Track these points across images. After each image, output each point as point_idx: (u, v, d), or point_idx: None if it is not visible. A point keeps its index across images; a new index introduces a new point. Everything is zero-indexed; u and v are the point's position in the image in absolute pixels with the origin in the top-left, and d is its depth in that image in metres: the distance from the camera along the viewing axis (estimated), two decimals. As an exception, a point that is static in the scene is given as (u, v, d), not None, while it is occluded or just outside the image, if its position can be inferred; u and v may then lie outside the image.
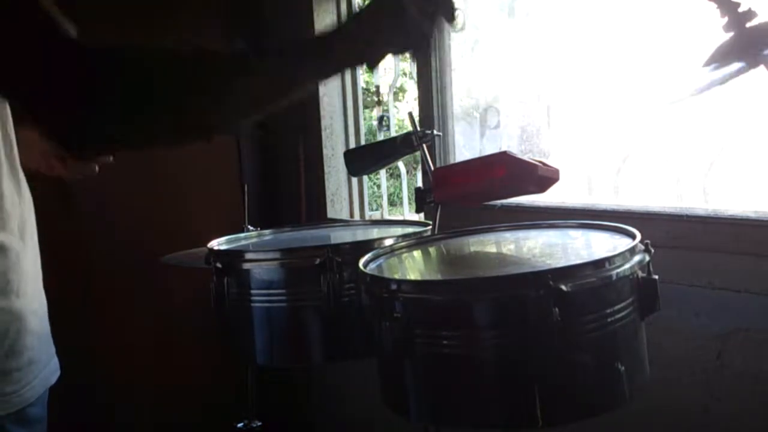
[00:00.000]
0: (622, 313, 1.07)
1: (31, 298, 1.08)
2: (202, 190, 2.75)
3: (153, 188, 2.69)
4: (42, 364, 1.11)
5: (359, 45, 0.98)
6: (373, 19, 1.00)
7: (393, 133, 2.68)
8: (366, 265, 1.23)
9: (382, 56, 1.01)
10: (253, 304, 1.47)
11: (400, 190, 3.07)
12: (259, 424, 2.09)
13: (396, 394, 1.15)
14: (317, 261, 1.40)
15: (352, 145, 2.74)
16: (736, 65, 1.01)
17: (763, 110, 1.69)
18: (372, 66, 1.03)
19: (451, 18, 1.02)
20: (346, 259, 1.39)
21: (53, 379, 1.14)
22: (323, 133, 2.69)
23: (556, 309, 0.97)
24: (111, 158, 1.30)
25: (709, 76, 1.04)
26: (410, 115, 1.71)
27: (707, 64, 1.04)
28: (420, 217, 2.01)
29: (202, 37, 2.69)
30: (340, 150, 2.68)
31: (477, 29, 2.35)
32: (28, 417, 1.07)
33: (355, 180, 2.76)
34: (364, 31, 0.98)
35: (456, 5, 1.03)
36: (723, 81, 1.03)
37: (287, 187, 2.80)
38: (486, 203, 1.93)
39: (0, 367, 1.02)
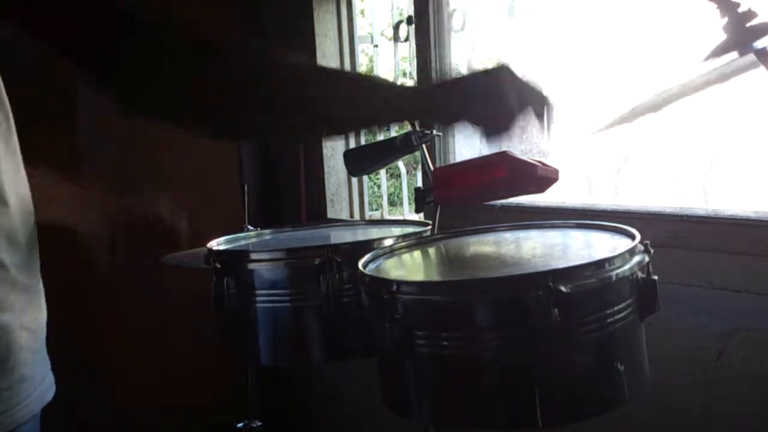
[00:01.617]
0: (622, 314, 1.07)
1: (21, 311, 1.03)
2: (202, 191, 2.75)
3: (153, 188, 2.69)
4: (36, 381, 1.05)
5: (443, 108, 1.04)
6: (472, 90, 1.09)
7: (393, 133, 2.67)
8: (365, 265, 1.23)
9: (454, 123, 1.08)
10: (253, 305, 1.47)
11: (400, 190, 3.08)
12: (259, 424, 2.09)
13: (396, 395, 1.15)
14: (317, 261, 1.40)
15: (352, 145, 2.74)
16: (732, 58, 1.01)
17: (762, 110, 1.69)
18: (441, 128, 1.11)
19: (540, 114, 1.09)
20: (345, 260, 1.39)
21: (49, 397, 1.09)
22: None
23: (556, 310, 0.97)
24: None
25: (706, 69, 1.04)
26: (410, 115, 1.70)
27: (706, 58, 1.05)
28: (420, 217, 2.01)
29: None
30: (340, 150, 2.67)
31: (477, 29, 2.35)
32: None
33: (355, 180, 2.76)
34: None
35: (550, 103, 1.10)
36: (724, 76, 1.03)
37: (287, 187, 2.80)
38: (486, 203, 1.93)
39: None
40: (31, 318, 1.06)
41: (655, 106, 1.07)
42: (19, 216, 1.04)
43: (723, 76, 1.03)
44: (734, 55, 1.04)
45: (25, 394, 1.01)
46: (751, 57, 1.02)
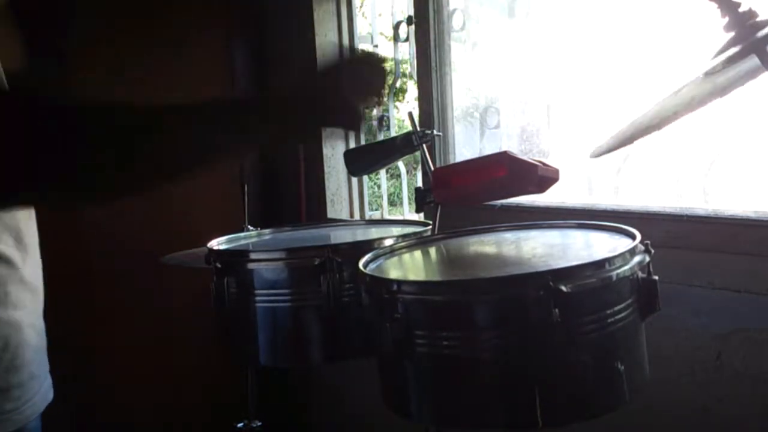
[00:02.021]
0: (622, 314, 1.07)
1: (30, 311, 1.06)
2: (202, 190, 2.75)
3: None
4: (41, 379, 1.08)
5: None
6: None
7: (393, 133, 2.68)
8: (366, 265, 1.23)
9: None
10: (253, 304, 1.47)
11: (400, 190, 3.08)
12: (259, 424, 2.09)
13: (396, 395, 1.15)
14: (317, 261, 1.40)
15: (352, 145, 2.74)
16: (749, 61, 1.01)
17: (763, 110, 1.69)
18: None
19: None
20: (346, 259, 1.39)
21: (50, 396, 1.11)
22: (323, 133, 2.69)
23: (556, 310, 0.97)
24: None
25: (724, 77, 1.04)
26: (410, 115, 1.71)
27: (716, 71, 1.04)
28: (420, 217, 2.01)
29: (202, 37, 2.69)
30: (340, 150, 2.68)
31: (477, 29, 2.35)
32: None
33: (355, 180, 2.76)
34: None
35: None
36: (724, 89, 1.03)
37: (287, 187, 2.80)
38: (486, 203, 1.93)
39: (0, 383, 0.99)
40: (36, 317, 1.08)
41: (656, 125, 1.06)
42: (23, 216, 1.06)
43: (723, 89, 1.03)
44: (735, 66, 1.03)
45: (33, 392, 1.04)
46: (749, 67, 1.02)
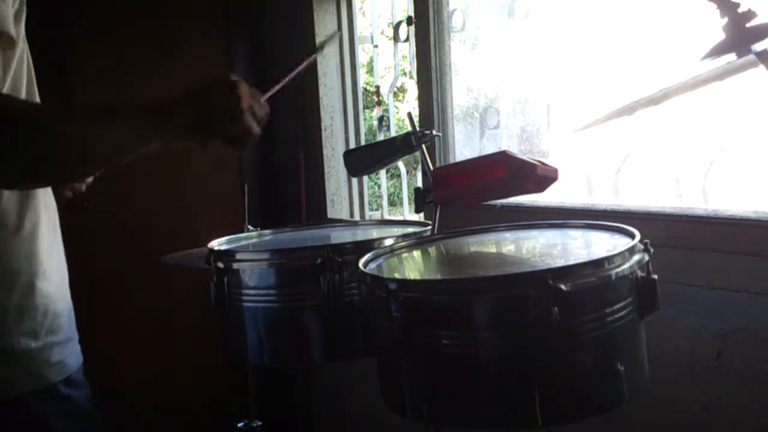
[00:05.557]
0: (622, 313, 1.07)
1: (58, 285, 1.24)
2: (202, 190, 2.75)
3: (153, 188, 2.70)
4: (74, 342, 1.28)
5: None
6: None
7: (393, 133, 2.68)
8: (366, 265, 1.24)
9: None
10: (253, 304, 1.47)
11: (400, 190, 3.08)
12: (259, 424, 2.09)
13: (395, 394, 1.15)
14: (317, 261, 1.40)
15: (352, 145, 2.74)
16: (729, 58, 1.01)
17: (763, 110, 1.69)
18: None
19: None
20: (346, 259, 1.39)
21: (81, 359, 1.31)
22: (323, 133, 2.69)
23: (556, 308, 0.97)
24: None
25: (706, 68, 1.05)
26: (410, 115, 1.71)
27: (704, 58, 1.05)
28: (420, 217, 2.01)
29: (202, 37, 2.70)
30: (340, 150, 2.68)
31: (477, 29, 2.35)
32: (75, 381, 1.26)
33: (355, 180, 2.76)
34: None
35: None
36: (722, 75, 1.03)
37: (287, 187, 2.80)
38: (486, 203, 1.93)
39: (45, 341, 1.19)
40: (65, 291, 1.28)
41: (654, 101, 1.07)
42: (53, 207, 1.27)
43: (722, 74, 1.04)
44: (732, 56, 1.04)
45: (70, 350, 1.26)
46: (750, 56, 1.03)
